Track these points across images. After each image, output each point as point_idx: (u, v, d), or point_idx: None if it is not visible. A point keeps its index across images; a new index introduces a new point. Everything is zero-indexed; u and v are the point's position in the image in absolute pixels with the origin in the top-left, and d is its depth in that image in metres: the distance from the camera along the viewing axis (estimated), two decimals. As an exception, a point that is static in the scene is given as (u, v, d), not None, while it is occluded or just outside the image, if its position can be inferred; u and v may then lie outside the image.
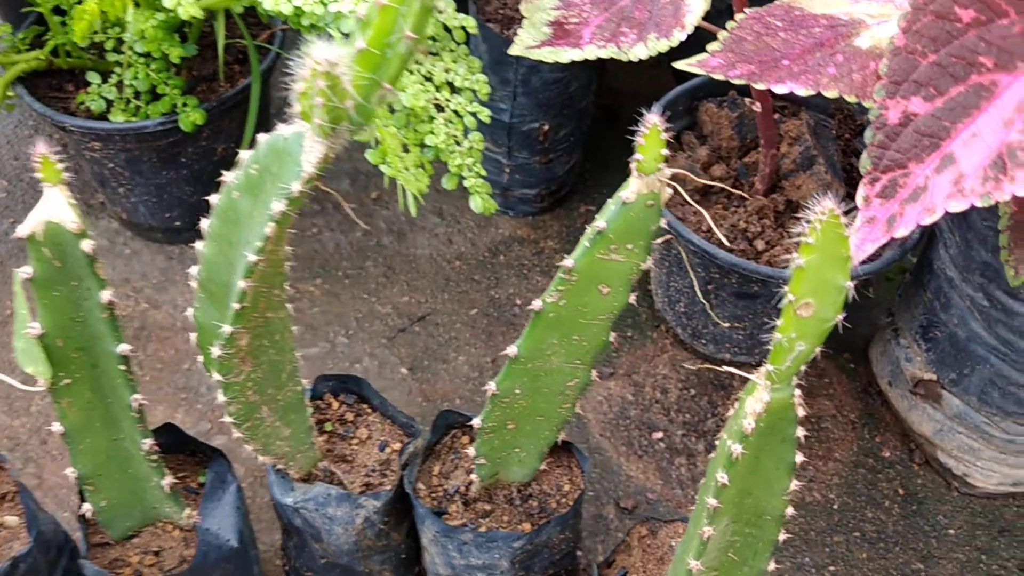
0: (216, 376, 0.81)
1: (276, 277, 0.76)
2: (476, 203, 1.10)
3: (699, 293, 1.18)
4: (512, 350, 0.86)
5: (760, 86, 0.87)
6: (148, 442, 0.90)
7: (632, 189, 0.76)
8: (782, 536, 0.84)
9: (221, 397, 0.84)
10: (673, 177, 1.35)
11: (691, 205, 1.30)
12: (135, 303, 1.47)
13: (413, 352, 1.44)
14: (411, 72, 1.11)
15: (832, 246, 0.66)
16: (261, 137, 0.66)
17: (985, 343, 1.18)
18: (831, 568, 1.25)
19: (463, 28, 1.13)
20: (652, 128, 0.71)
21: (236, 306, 0.73)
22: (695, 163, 1.33)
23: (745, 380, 0.74)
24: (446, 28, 1.13)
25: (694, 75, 1.00)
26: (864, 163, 0.71)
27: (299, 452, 1.01)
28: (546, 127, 1.45)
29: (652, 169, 0.74)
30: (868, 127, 0.71)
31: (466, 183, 1.10)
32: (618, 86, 1.85)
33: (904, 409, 1.36)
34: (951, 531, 1.29)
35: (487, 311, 1.50)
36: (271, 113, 1.54)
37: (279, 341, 0.87)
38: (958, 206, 0.68)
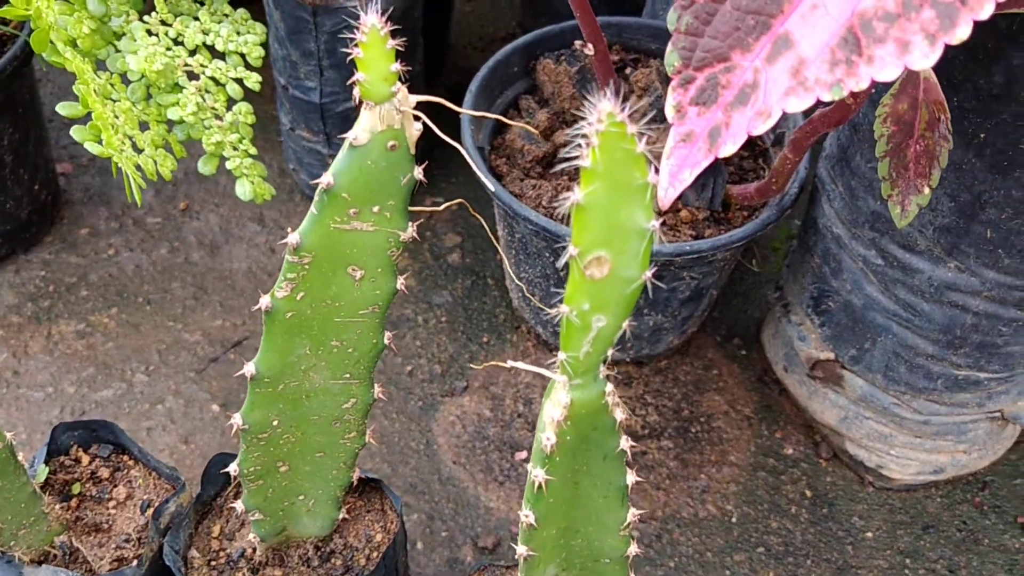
0: None
1: None
2: (243, 189, 0.87)
3: (512, 276, 0.97)
4: (249, 369, 0.64)
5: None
6: None
7: (363, 126, 0.54)
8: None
9: None
10: (507, 141, 1.15)
11: (531, 178, 1.09)
12: None
13: (227, 385, 1.20)
14: (152, 34, 0.89)
15: (622, 170, 0.45)
16: None
17: (884, 309, 0.99)
18: (733, 594, 1.05)
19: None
20: (371, 31, 0.50)
21: None
22: (534, 130, 1.13)
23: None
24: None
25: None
26: (671, 59, 0.50)
27: (22, 528, 0.77)
28: (365, 106, 1.23)
29: (384, 94, 0.53)
30: (672, 8, 0.50)
31: (229, 164, 0.87)
32: (467, 64, 1.65)
33: (804, 397, 1.16)
34: (868, 534, 1.10)
35: (318, 328, 1.27)
36: (42, 117, 1.29)
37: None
38: (800, 104, 0.48)
